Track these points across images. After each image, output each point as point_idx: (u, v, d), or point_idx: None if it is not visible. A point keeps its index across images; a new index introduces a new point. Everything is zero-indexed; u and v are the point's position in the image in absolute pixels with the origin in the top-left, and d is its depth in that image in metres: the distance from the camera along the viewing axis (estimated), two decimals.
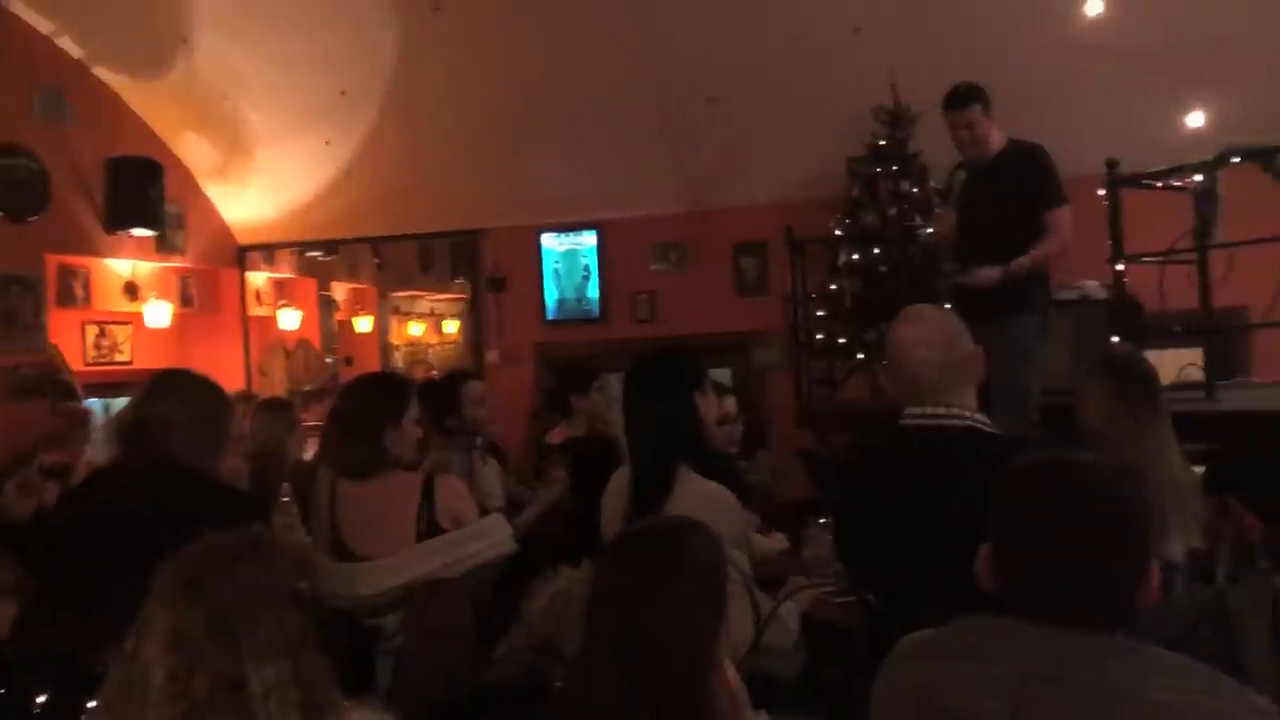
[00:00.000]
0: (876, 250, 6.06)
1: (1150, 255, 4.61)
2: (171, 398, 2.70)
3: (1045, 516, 1.40)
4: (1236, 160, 4.32)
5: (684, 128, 6.96)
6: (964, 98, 4.29)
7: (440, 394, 4.00)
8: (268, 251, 8.78)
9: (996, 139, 4.32)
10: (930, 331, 2.42)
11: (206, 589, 1.56)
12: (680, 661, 1.68)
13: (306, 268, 9.56)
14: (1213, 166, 4.22)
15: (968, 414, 2.34)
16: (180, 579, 1.59)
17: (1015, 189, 4.19)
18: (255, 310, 8.68)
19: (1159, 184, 4.68)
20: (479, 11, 6.45)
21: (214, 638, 1.52)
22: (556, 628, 2.42)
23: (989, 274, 4.14)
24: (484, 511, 3.19)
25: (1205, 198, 4.34)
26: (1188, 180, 4.50)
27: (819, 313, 6.51)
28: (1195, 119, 5.95)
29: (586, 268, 7.83)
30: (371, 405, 3.14)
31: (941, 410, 2.34)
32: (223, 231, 8.22)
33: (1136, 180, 4.66)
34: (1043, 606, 1.39)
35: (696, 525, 1.80)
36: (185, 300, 7.82)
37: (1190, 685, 1.28)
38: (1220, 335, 5.13)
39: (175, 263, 7.69)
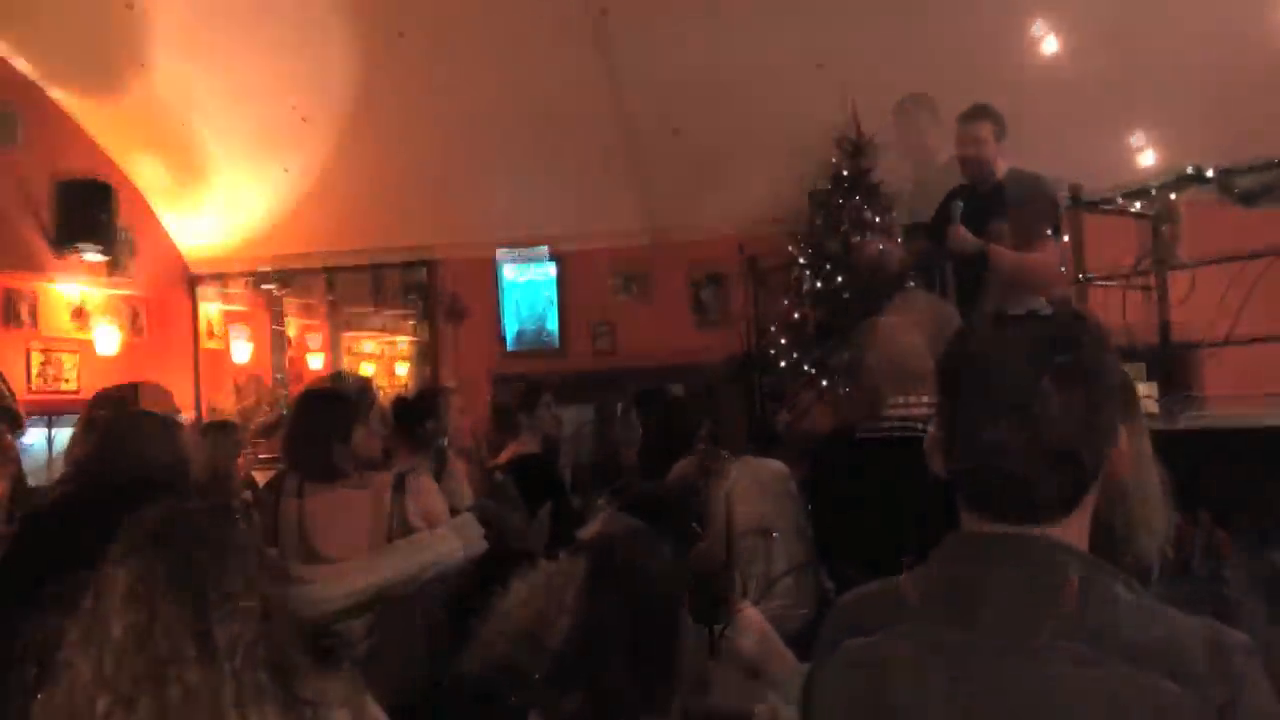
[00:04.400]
0: (839, 278, 6.11)
1: (1110, 278, 4.68)
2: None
3: (992, 365, 1.21)
4: (1189, 184, 4.40)
5: (646, 158, 7.00)
6: (976, 112, 4.26)
7: (421, 404, 3.96)
8: (221, 281, 8.63)
9: (1000, 167, 4.28)
10: (921, 319, 2.39)
11: (170, 540, 1.50)
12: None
13: (260, 301, 9.40)
14: (1173, 188, 4.30)
15: None
16: (142, 532, 1.52)
17: (1012, 217, 4.16)
18: (207, 343, 8.52)
19: (1119, 205, 4.76)
20: (442, 39, 6.47)
21: (179, 585, 1.45)
22: (536, 619, 2.35)
23: (968, 239, 4.09)
24: (454, 512, 3.12)
25: (1165, 222, 4.41)
26: (1146, 205, 4.58)
27: (781, 340, 6.52)
28: (1147, 153, 6.09)
29: (546, 298, 7.80)
30: (335, 406, 3.07)
31: (928, 400, 2.32)
32: (175, 258, 8.09)
33: (1098, 204, 4.74)
34: (995, 474, 1.19)
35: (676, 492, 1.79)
36: (135, 328, 7.65)
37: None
38: (1174, 364, 5.19)
39: (125, 288, 7.53)
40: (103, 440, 2.82)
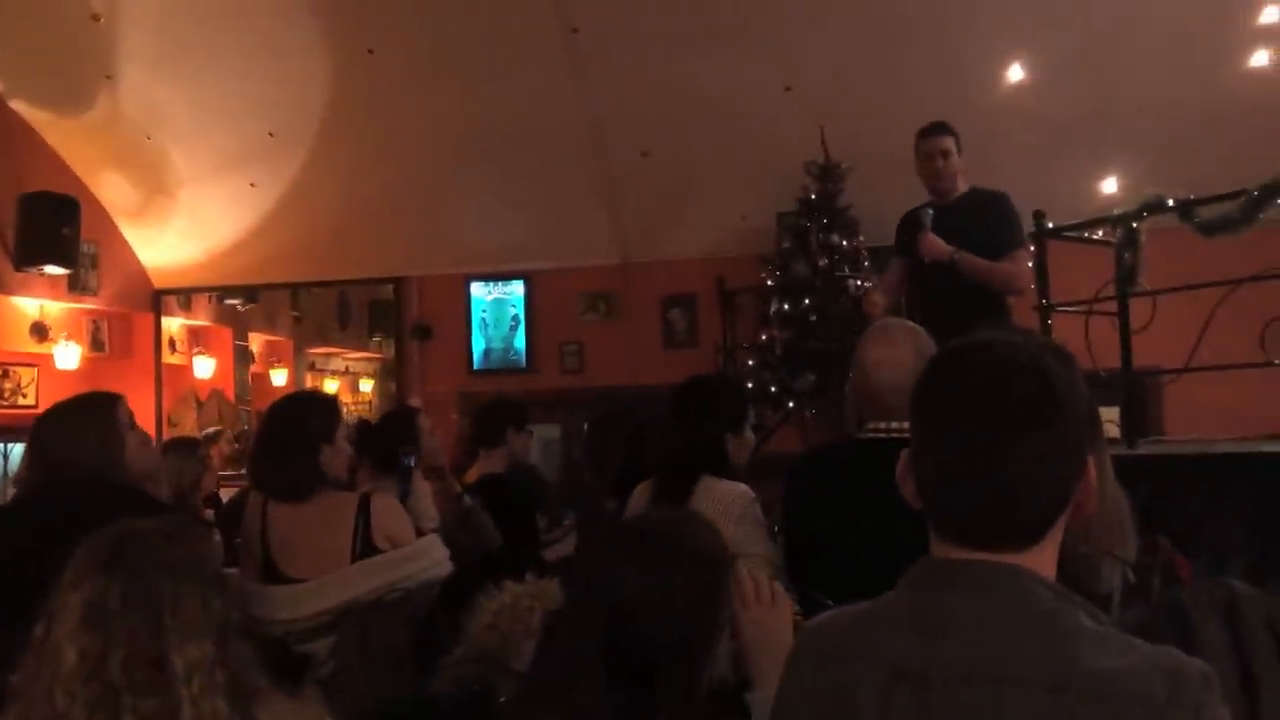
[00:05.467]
0: (807, 301, 6.15)
1: (1074, 305, 4.74)
2: None
3: (963, 394, 1.22)
4: (1151, 213, 4.47)
5: (616, 179, 7.02)
6: (940, 127, 4.36)
7: (391, 424, 3.93)
8: (184, 297, 8.55)
9: (962, 183, 4.39)
10: (899, 353, 2.41)
11: (125, 562, 1.47)
12: (669, 657, 1.63)
13: (223, 316, 9.34)
14: (1135, 217, 4.37)
15: None
16: (97, 554, 1.49)
17: (979, 230, 4.23)
18: (169, 358, 8.43)
19: (1084, 236, 4.83)
20: (413, 57, 6.47)
21: (133, 612, 1.42)
22: (502, 642, 2.34)
23: (940, 245, 4.15)
24: (420, 533, 3.10)
25: (1127, 249, 4.48)
26: (1109, 233, 4.65)
27: (749, 362, 6.55)
28: (1109, 183, 6.19)
29: (515, 317, 7.79)
30: (303, 423, 3.04)
31: (906, 425, 2.34)
32: (138, 274, 8.00)
33: (1062, 232, 4.80)
34: (966, 502, 1.21)
35: (695, 517, 1.75)
36: (96, 344, 7.57)
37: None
38: (1136, 390, 5.25)
39: (87, 304, 7.45)
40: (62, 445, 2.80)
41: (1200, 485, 4.00)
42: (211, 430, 7.93)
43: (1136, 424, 4.96)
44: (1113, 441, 4.89)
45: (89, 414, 2.90)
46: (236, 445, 7.80)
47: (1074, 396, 1.23)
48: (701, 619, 1.67)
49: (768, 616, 1.74)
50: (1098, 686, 1.10)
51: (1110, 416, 5.20)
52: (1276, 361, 4.33)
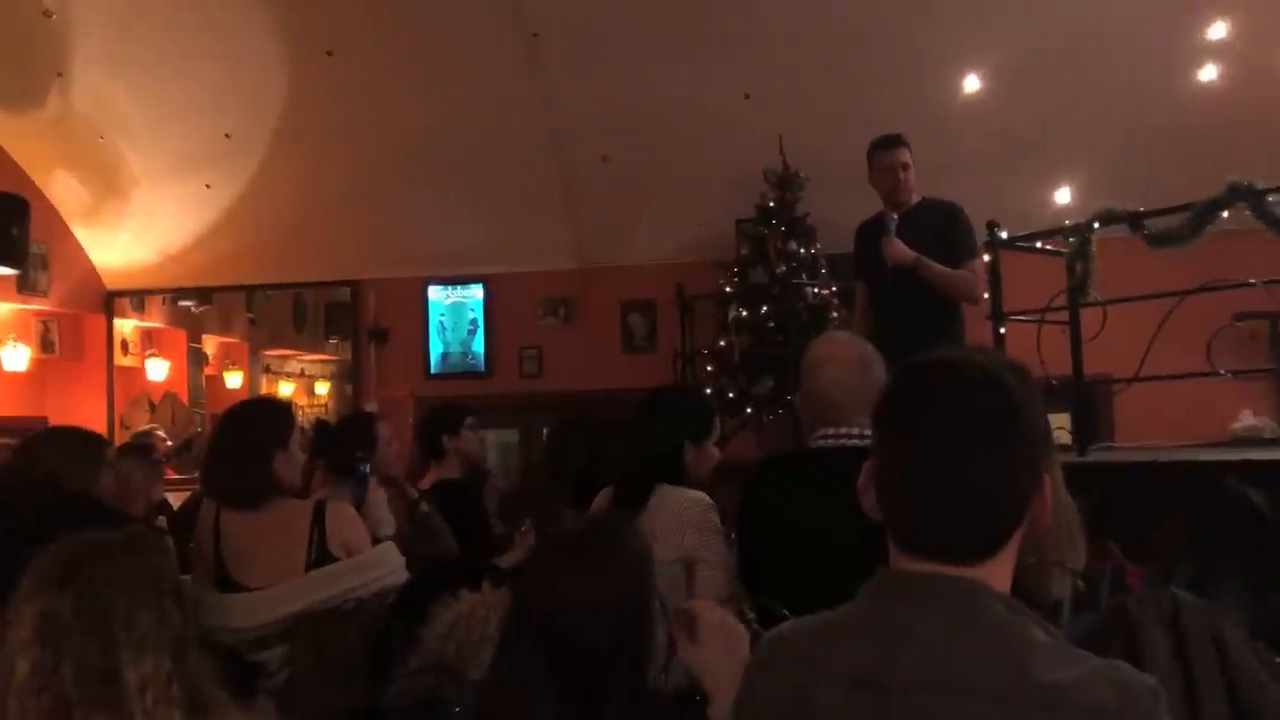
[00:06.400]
0: (765, 308, 6.19)
1: (1026, 314, 4.80)
2: None
3: (924, 410, 1.25)
4: (1102, 225, 4.54)
5: (576, 184, 7.02)
6: (898, 139, 4.43)
7: (349, 430, 3.90)
8: (137, 298, 8.43)
9: (915, 193, 4.44)
10: (843, 353, 2.46)
11: (79, 576, 1.46)
12: (611, 664, 1.64)
13: (177, 318, 9.20)
14: (1087, 229, 4.44)
15: None
16: (51, 567, 1.48)
17: (934, 239, 4.28)
18: (121, 360, 8.31)
19: (1037, 246, 4.90)
20: (372, 59, 6.42)
21: (86, 625, 1.42)
22: (458, 652, 2.33)
23: (904, 250, 4.21)
24: (375, 540, 3.08)
25: (1079, 260, 4.55)
26: (1061, 243, 4.72)
27: (708, 368, 6.58)
28: (1062, 193, 6.28)
29: (473, 321, 7.76)
30: (257, 430, 3.01)
31: (856, 431, 2.37)
32: (90, 275, 7.88)
33: (1015, 242, 4.86)
34: (925, 516, 1.24)
35: (625, 522, 1.78)
36: (46, 345, 7.44)
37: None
38: (1087, 398, 5.33)
39: (37, 305, 7.32)
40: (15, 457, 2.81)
41: (1148, 492, 4.08)
42: (146, 429, 7.82)
43: (1087, 431, 5.04)
44: (1064, 448, 4.96)
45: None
46: (170, 444, 7.71)
47: (1033, 414, 1.26)
48: (635, 622, 1.69)
49: (711, 656, 1.70)
50: (1049, 698, 1.14)
51: (1061, 423, 5.29)
52: (1222, 371, 4.42)
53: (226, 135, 6.91)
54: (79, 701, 1.39)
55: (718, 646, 1.69)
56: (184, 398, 9.34)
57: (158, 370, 8.76)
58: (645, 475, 2.81)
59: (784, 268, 6.17)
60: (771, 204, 6.40)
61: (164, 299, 8.70)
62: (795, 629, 1.39)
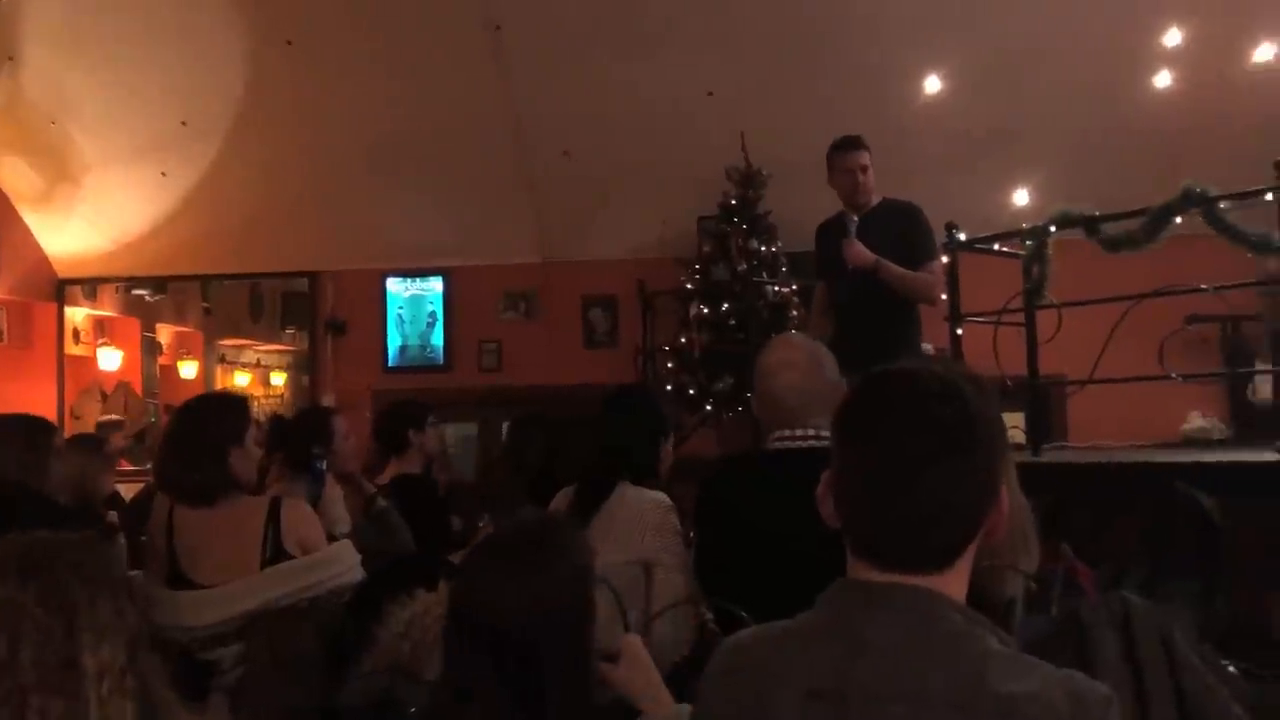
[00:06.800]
0: (725, 305, 6.21)
1: (983, 315, 4.85)
2: None
3: (883, 420, 1.26)
4: (1058, 228, 4.60)
5: (538, 178, 7.00)
6: (858, 140, 4.44)
7: (306, 425, 3.85)
8: (90, 287, 8.29)
9: (873, 194, 4.46)
10: (796, 357, 2.47)
11: (40, 566, 1.46)
12: (553, 666, 1.64)
13: (130, 307, 9.06)
14: (1043, 232, 4.48)
15: None
16: (7, 558, 1.47)
17: (893, 240, 4.30)
18: (73, 349, 8.17)
19: (995, 249, 4.95)
20: (333, 49, 6.36)
21: (47, 610, 1.41)
22: (413, 652, 2.31)
23: (864, 252, 4.23)
24: (331, 538, 3.05)
25: (1035, 263, 4.60)
26: (1017, 246, 4.77)
27: (668, 364, 6.59)
28: (1020, 195, 6.35)
29: (432, 314, 7.72)
30: (212, 425, 2.97)
31: (811, 433, 2.38)
32: (41, 263, 7.75)
33: (973, 244, 4.91)
34: (883, 525, 1.25)
35: (560, 522, 1.78)
36: None
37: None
38: (1041, 399, 5.40)
39: None
40: None
41: (1101, 494, 4.14)
42: (108, 419, 7.72)
43: (1041, 431, 5.10)
44: (1018, 448, 5.03)
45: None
46: (132, 441, 7.61)
47: (990, 425, 1.28)
48: (576, 623, 1.70)
49: (626, 678, 1.78)
50: (1004, 707, 1.15)
51: (1016, 423, 5.35)
52: (1174, 375, 4.49)
53: (183, 123, 6.82)
54: (35, 687, 1.38)
55: (638, 665, 1.76)
56: (137, 388, 9.21)
57: (110, 360, 8.63)
58: (608, 473, 2.80)
59: (745, 265, 6.19)
60: (733, 201, 6.41)
61: (117, 287, 8.57)
62: (753, 637, 1.40)
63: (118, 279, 8.25)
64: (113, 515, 3.63)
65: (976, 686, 1.17)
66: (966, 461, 1.24)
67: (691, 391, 6.30)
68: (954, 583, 1.27)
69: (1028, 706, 1.15)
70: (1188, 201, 3.98)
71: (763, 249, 6.32)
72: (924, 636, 1.21)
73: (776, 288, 6.28)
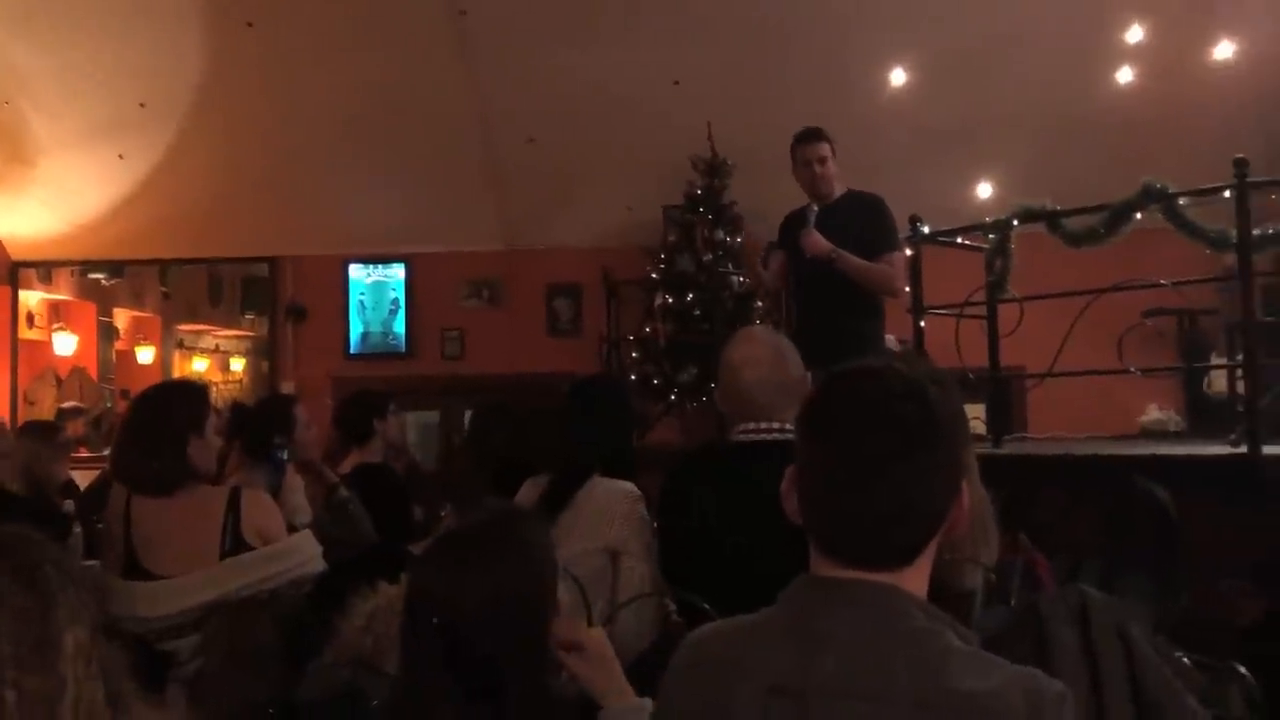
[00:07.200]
0: (690, 295, 6.21)
1: (946, 308, 4.89)
2: None
3: (846, 417, 1.27)
4: (1020, 222, 4.64)
5: (503, 165, 6.96)
6: (818, 132, 4.44)
7: (271, 414, 3.81)
8: (44, 270, 8.15)
9: (838, 185, 4.48)
10: (761, 352, 2.47)
11: (12, 547, 1.45)
12: (509, 663, 1.64)
13: (87, 290, 8.92)
14: (1006, 227, 4.53)
15: None
16: None
17: (856, 232, 4.31)
18: (26, 333, 8.04)
19: (958, 241, 4.99)
20: (295, 31, 6.28)
21: (22, 585, 1.41)
22: (375, 644, 2.30)
23: (822, 242, 4.24)
24: (292, 529, 3.02)
25: (998, 256, 4.64)
26: (981, 239, 4.81)
27: (633, 354, 6.59)
28: (984, 188, 6.39)
29: (394, 301, 7.66)
30: (171, 414, 2.93)
31: (776, 426, 2.39)
32: None
33: (936, 237, 4.94)
34: (846, 523, 1.26)
35: (520, 515, 1.77)
36: None
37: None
38: (1002, 391, 5.46)
39: None
40: None
41: (1058, 485, 4.19)
42: (69, 406, 7.61)
43: (1002, 423, 5.16)
44: (979, 439, 5.08)
45: None
46: (91, 428, 7.51)
47: (953, 424, 1.29)
48: (533, 619, 1.69)
49: (589, 673, 1.77)
50: (961, 705, 1.17)
51: (977, 413, 5.41)
52: (1132, 369, 4.56)
53: (141, 105, 6.71)
54: (11, 661, 1.37)
55: (601, 660, 1.75)
56: (93, 373, 9.08)
57: (65, 344, 8.51)
58: (581, 466, 2.79)
59: (710, 256, 6.19)
60: (699, 191, 6.41)
61: (73, 271, 8.43)
62: (716, 633, 1.40)
63: (73, 262, 8.11)
64: (69, 504, 3.57)
65: (936, 684, 1.18)
66: (929, 459, 1.25)
67: (656, 381, 6.30)
68: (915, 579, 1.28)
69: (986, 704, 1.16)
70: (1148, 198, 4.04)
71: (728, 239, 6.32)
72: (885, 633, 1.22)
73: (741, 279, 6.29)
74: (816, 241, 4.26)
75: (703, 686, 1.32)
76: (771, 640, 1.29)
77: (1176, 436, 5.82)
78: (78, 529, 3.03)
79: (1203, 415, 6.15)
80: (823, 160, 4.42)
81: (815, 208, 4.40)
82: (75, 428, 6.85)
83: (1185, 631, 2.44)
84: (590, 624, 2.08)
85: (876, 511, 1.25)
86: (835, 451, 1.27)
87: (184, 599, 2.71)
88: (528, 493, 2.96)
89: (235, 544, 2.78)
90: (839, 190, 4.49)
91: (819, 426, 1.31)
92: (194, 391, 3.17)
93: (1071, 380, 4.98)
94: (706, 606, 2.26)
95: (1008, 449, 4.87)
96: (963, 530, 1.31)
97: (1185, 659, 2.10)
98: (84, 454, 6.80)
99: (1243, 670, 2.19)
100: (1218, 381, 6.03)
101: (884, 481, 1.24)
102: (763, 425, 2.42)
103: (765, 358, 2.49)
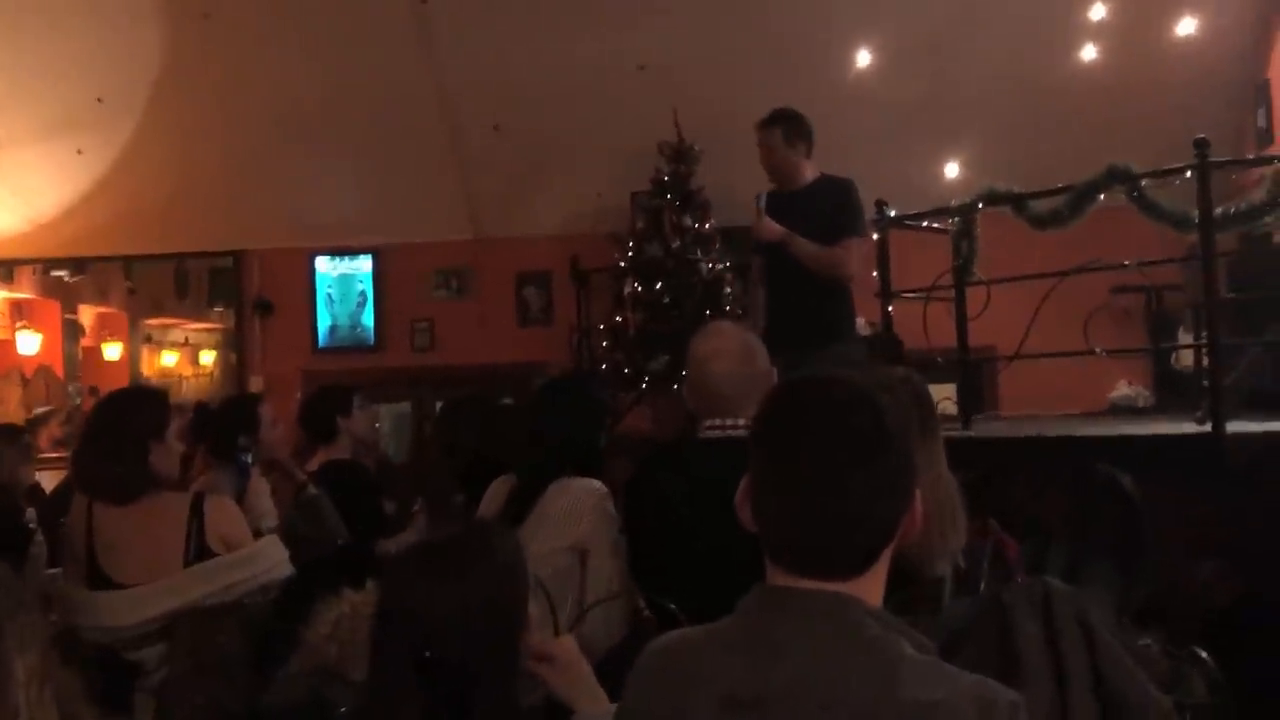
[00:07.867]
0: (659, 283, 6.20)
1: (914, 291, 4.88)
2: None
3: (797, 430, 1.28)
4: (987, 204, 4.63)
5: (468, 154, 6.91)
6: (768, 119, 4.45)
7: (235, 414, 3.76)
8: (5, 268, 8.04)
9: (808, 172, 4.47)
10: (729, 346, 2.47)
11: None
12: (478, 674, 1.63)
13: (50, 288, 8.79)
14: (971, 209, 4.52)
15: None
16: None
17: (819, 217, 4.33)
18: None
19: (924, 225, 4.97)
20: (253, 22, 6.21)
21: None
22: (341, 653, 2.28)
23: (773, 227, 4.25)
24: (257, 534, 3.00)
25: (964, 239, 4.63)
26: (948, 223, 4.80)
27: (603, 343, 6.57)
28: (951, 168, 6.40)
29: (362, 293, 7.60)
30: (131, 421, 2.90)
31: (743, 422, 2.38)
32: None
33: (903, 221, 4.93)
34: (798, 534, 1.26)
35: (491, 529, 1.77)
36: None
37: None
38: (972, 371, 5.47)
39: None
40: None
41: (1027, 467, 4.21)
42: (42, 410, 7.53)
43: (972, 405, 5.17)
44: (949, 419, 5.09)
45: None
46: (68, 427, 7.41)
47: (905, 433, 1.30)
48: (503, 632, 1.69)
49: (560, 680, 1.79)
50: (914, 714, 1.18)
51: (946, 394, 5.42)
52: (1098, 350, 4.57)
53: (99, 99, 6.60)
54: None
55: (571, 667, 1.77)
56: (59, 371, 8.98)
57: (29, 343, 8.41)
58: (550, 466, 2.78)
59: (679, 242, 6.18)
60: (666, 177, 6.38)
61: (35, 269, 8.31)
62: (676, 641, 1.41)
63: (34, 260, 8.00)
64: (30, 514, 3.52)
65: (889, 694, 1.19)
66: (880, 469, 1.26)
67: (626, 370, 6.28)
68: (870, 587, 1.29)
69: (937, 714, 1.17)
70: (1112, 179, 4.03)
71: (696, 225, 6.31)
72: (839, 643, 1.23)
73: (710, 265, 6.27)
74: (768, 226, 4.29)
75: (661, 695, 1.33)
76: (728, 650, 1.29)
77: (1145, 412, 5.86)
78: (40, 537, 2.98)
79: (1171, 388, 6.20)
80: (770, 150, 4.42)
81: (762, 195, 4.41)
82: (51, 431, 6.78)
83: (1152, 617, 2.46)
84: (558, 631, 2.08)
85: (829, 522, 1.25)
86: (786, 464, 1.28)
87: (148, 608, 2.69)
88: (497, 490, 2.95)
89: (199, 551, 2.77)
90: (810, 175, 4.49)
91: (770, 439, 1.32)
92: (154, 397, 3.15)
93: (1041, 360, 5.00)
94: (673, 607, 2.26)
95: (976, 430, 4.88)
96: (915, 538, 1.32)
97: (1149, 645, 2.11)
98: (61, 454, 6.70)
99: (1204, 655, 2.20)
100: (1185, 356, 6.07)
101: (836, 493, 1.24)
102: (729, 422, 2.42)
103: (732, 351, 2.50)
